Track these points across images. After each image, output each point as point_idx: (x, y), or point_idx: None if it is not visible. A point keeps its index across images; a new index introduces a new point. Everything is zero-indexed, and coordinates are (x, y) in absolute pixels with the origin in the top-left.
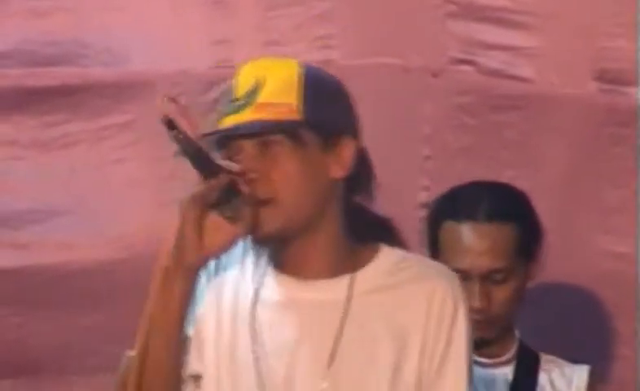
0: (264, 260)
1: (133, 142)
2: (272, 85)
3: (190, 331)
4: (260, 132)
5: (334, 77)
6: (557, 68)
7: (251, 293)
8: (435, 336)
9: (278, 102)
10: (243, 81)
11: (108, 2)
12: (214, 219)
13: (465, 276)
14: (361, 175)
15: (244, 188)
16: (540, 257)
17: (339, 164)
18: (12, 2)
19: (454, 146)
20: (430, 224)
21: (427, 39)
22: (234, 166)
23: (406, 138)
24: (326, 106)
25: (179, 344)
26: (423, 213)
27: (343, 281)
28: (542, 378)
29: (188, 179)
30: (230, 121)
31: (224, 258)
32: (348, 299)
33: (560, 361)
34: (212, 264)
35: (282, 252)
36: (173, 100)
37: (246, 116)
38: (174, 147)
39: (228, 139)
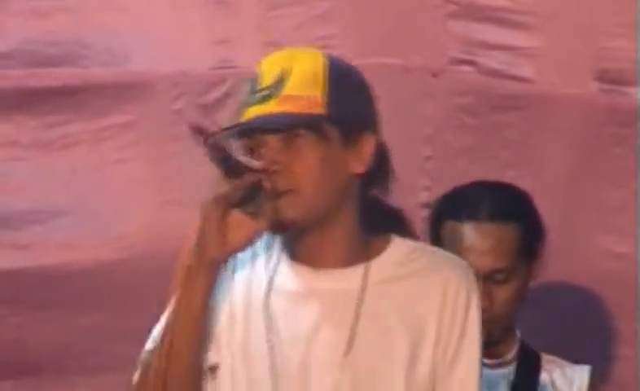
0: (276, 250)
1: (134, 142)
2: (297, 76)
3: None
4: (285, 128)
5: (355, 68)
6: (557, 68)
7: (264, 283)
8: (449, 327)
9: (303, 94)
10: (268, 71)
11: (109, 3)
12: (236, 216)
13: None
14: (379, 170)
15: (266, 184)
16: (542, 256)
17: (359, 160)
18: (13, 3)
19: (455, 146)
20: (432, 224)
21: (427, 39)
22: (256, 163)
23: (407, 138)
24: (350, 100)
25: (201, 340)
26: (424, 213)
27: (357, 271)
28: (543, 378)
29: (188, 179)
30: (254, 112)
31: None
32: (363, 288)
33: (561, 361)
34: None
35: (297, 243)
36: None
37: (271, 107)
38: (174, 147)
39: (252, 131)
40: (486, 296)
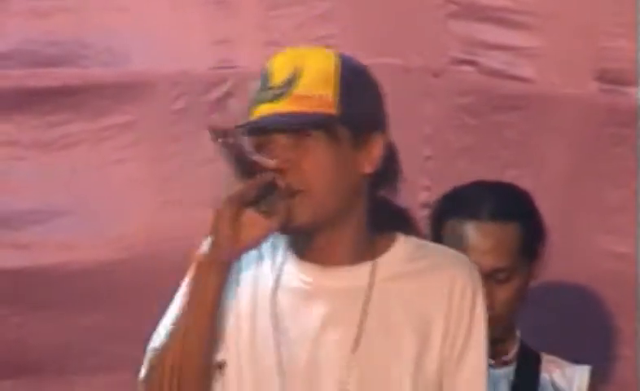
0: (282, 248)
1: (134, 142)
2: (309, 75)
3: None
4: (296, 128)
5: (366, 67)
6: (558, 68)
7: (270, 281)
8: (456, 324)
9: (315, 94)
10: (280, 69)
11: (109, 3)
12: (250, 215)
13: None
14: (388, 170)
15: (280, 183)
16: (542, 256)
17: (369, 161)
18: (13, 3)
19: (455, 146)
20: (433, 223)
21: (428, 39)
22: (271, 162)
23: (407, 138)
24: (361, 100)
25: (213, 337)
26: (424, 213)
27: (364, 268)
28: (544, 378)
29: (188, 179)
30: (265, 110)
31: None
32: (370, 286)
33: (561, 361)
34: None
35: (305, 241)
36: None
37: (282, 106)
38: (174, 147)
39: (261, 129)
40: (487, 296)
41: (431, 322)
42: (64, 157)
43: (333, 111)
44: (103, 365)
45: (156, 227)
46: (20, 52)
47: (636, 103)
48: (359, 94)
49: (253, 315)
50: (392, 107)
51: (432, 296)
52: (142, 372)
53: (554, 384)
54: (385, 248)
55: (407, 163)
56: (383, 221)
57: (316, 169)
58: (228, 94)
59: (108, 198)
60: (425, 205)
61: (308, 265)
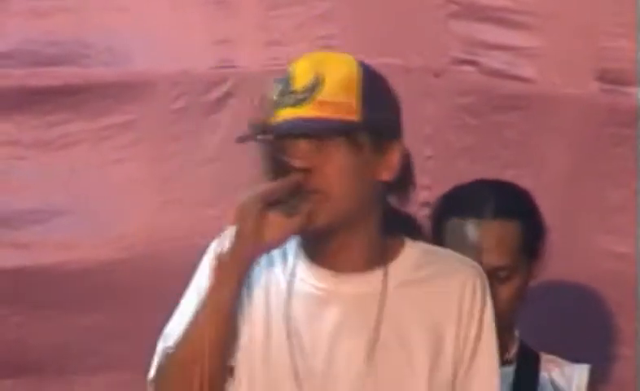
0: (292, 252)
1: (134, 142)
2: (332, 81)
3: None
4: (319, 133)
5: (383, 75)
6: (558, 68)
7: (283, 286)
8: (467, 328)
9: (338, 100)
10: (302, 75)
11: (110, 3)
12: (273, 215)
13: None
14: (403, 178)
15: (307, 185)
16: (543, 255)
17: (387, 168)
18: (14, 3)
19: (456, 146)
20: (434, 221)
21: (428, 39)
22: (301, 164)
23: (408, 138)
24: (381, 108)
25: (227, 339)
26: (425, 212)
27: (377, 274)
28: (543, 377)
29: (188, 179)
30: (288, 114)
31: None
32: (383, 293)
33: (561, 360)
34: None
35: (318, 245)
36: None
37: (305, 111)
38: (174, 147)
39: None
40: None
41: (443, 329)
42: (64, 157)
43: (355, 117)
44: (103, 365)
45: (156, 227)
46: (21, 52)
47: (636, 103)
48: (380, 101)
49: (267, 319)
50: None
51: (443, 303)
52: (152, 372)
53: (553, 383)
54: (395, 254)
55: None
56: (391, 226)
57: (337, 173)
58: (228, 94)
59: (108, 198)
60: (426, 205)
61: (320, 271)
